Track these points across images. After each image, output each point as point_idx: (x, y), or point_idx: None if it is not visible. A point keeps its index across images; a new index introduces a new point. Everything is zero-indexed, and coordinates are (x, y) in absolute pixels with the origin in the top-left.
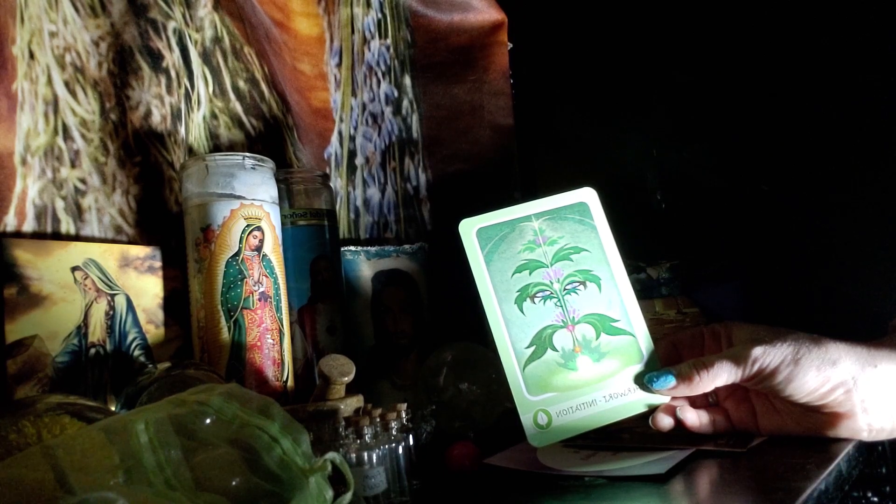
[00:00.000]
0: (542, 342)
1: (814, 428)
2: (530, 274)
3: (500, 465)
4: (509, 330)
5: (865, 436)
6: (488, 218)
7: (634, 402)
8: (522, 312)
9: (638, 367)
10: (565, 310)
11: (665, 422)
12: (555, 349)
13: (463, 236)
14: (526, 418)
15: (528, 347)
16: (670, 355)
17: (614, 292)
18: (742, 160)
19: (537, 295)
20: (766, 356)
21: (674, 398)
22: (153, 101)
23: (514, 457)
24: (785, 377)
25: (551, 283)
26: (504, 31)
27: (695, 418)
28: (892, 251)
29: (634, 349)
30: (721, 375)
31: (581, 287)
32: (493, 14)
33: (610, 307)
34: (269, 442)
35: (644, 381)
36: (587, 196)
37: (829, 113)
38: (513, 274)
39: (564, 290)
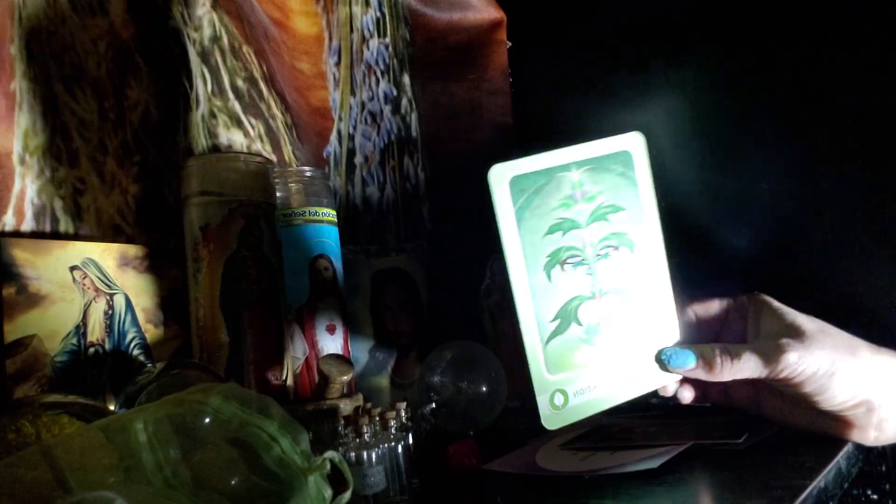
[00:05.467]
0: (567, 315)
1: (820, 428)
2: (563, 235)
3: (500, 471)
4: (535, 301)
5: (868, 443)
6: (524, 164)
7: (649, 379)
8: (550, 280)
9: (658, 342)
10: (595, 278)
11: (671, 390)
12: (579, 323)
13: (493, 185)
14: (542, 399)
15: (552, 321)
16: (687, 325)
17: (646, 258)
18: (743, 159)
19: (568, 261)
20: (801, 364)
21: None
22: (152, 101)
23: (513, 461)
24: (814, 389)
25: (584, 247)
26: (503, 30)
27: (690, 396)
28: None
29: (658, 322)
30: (746, 370)
31: (614, 251)
32: (491, 12)
33: (640, 276)
34: (267, 441)
35: (661, 357)
36: (632, 143)
37: (833, 111)
38: (545, 235)
39: (597, 255)
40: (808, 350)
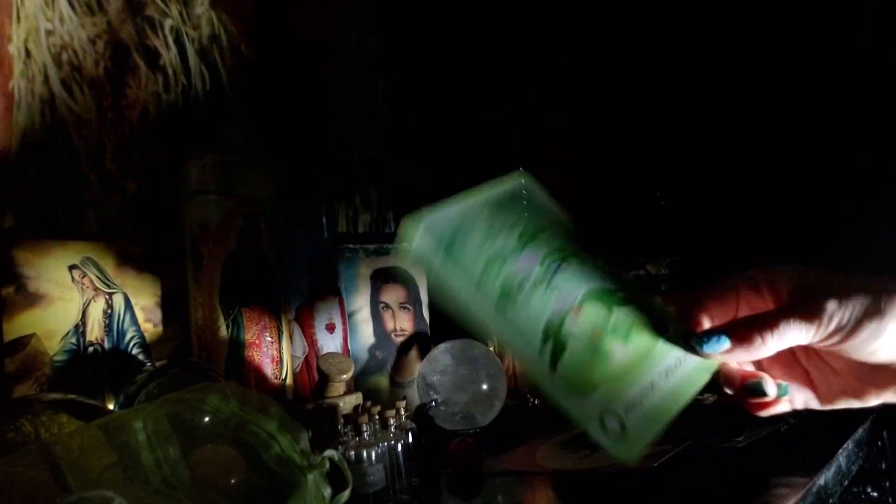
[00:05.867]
0: (555, 331)
1: (880, 384)
2: (504, 265)
3: (500, 469)
4: (515, 335)
5: None
6: (436, 212)
7: (694, 371)
8: (518, 311)
9: (666, 333)
10: (562, 291)
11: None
12: (575, 336)
13: (412, 238)
14: (593, 428)
15: (545, 343)
16: (699, 315)
17: (593, 263)
18: (743, 157)
19: (523, 287)
20: (845, 309)
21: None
22: (150, 100)
23: (513, 460)
24: (869, 334)
25: (530, 269)
26: (502, 27)
27: (773, 390)
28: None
29: (649, 315)
30: (788, 335)
31: (564, 264)
32: (490, 10)
33: (603, 279)
34: (267, 440)
35: (693, 343)
36: (520, 180)
37: (833, 110)
38: (484, 271)
39: (548, 271)
40: (844, 294)
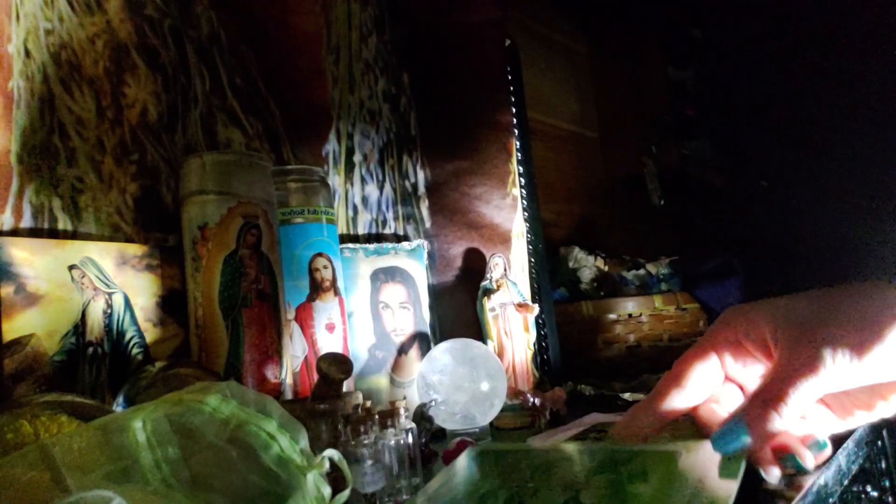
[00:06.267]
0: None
1: (888, 395)
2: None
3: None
4: None
5: None
6: None
7: (725, 462)
8: None
9: (678, 454)
10: (563, 485)
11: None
12: None
13: None
14: None
15: None
16: (666, 414)
17: (572, 452)
18: (741, 156)
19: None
20: (842, 351)
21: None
22: (150, 99)
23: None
24: (872, 361)
25: (525, 485)
26: (501, 28)
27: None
28: (892, 246)
29: (659, 456)
30: (804, 398)
31: (552, 467)
32: (490, 10)
33: (588, 455)
34: (266, 440)
35: (715, 447)
36: (470, 457)
37: (829, 112)
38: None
39: (542, 480)
40: (836, 334)
